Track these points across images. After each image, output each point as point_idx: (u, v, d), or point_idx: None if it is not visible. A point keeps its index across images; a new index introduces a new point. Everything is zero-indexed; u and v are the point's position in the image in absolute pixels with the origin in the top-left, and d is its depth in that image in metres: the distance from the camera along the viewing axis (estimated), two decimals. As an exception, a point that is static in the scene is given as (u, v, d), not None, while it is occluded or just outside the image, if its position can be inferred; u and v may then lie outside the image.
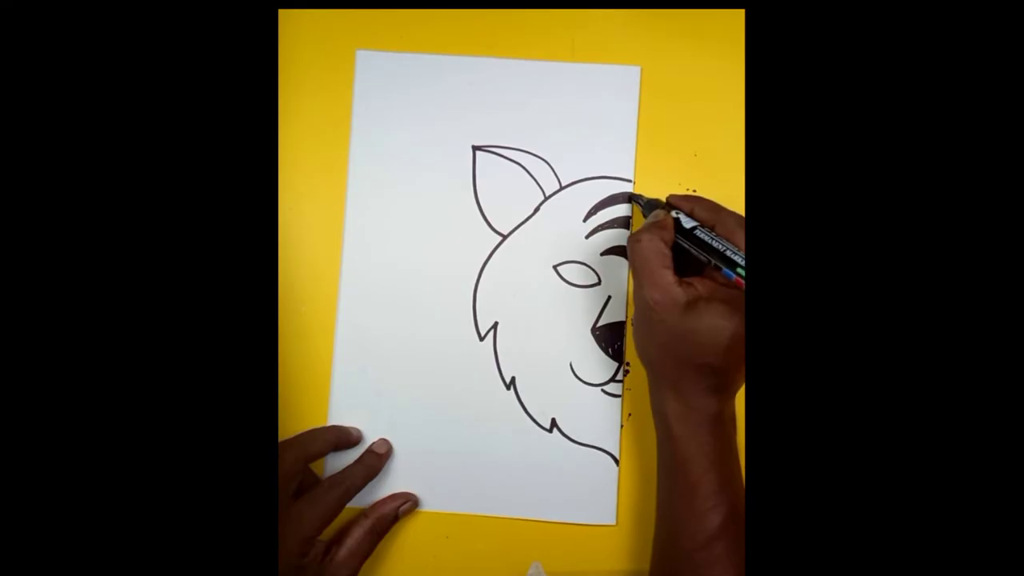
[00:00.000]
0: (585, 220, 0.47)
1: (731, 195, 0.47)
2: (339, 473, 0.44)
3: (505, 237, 0.47)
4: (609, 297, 0.47)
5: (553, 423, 0.47)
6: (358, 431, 0.47)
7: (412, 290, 0.47)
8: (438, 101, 0.48)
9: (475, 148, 0.48)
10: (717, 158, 0.47)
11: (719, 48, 0.47)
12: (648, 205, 0.45)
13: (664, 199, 0.44)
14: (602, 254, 0.47)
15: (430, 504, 0.47)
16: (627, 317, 0.47)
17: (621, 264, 0.47)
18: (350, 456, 0.46)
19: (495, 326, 0.47)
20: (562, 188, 0.47)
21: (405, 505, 0.46)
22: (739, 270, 0.37)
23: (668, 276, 0.38)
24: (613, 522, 0.46)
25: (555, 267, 0.47)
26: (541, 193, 0.47)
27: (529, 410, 0.47)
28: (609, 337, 0.47)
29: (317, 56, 0.48)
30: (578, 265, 0.47)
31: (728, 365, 0.37)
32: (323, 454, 0.45)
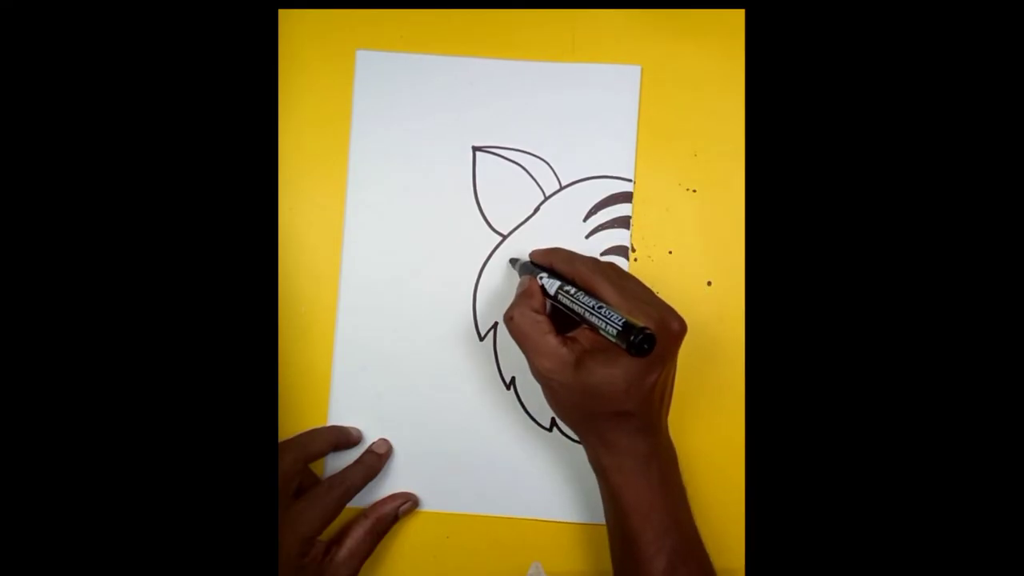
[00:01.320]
0: (585, 220, 0.47)
1: (731, 195, 0.47)
2: (339, 473, 0.44)
3: (505, 237, 0.47)
4: (609, 297, 0.47)
5: (553, 422, 0.47)
6: (358, 431, 0.47)
7: (412, 290, 0.47)
8: (438, 101, 0.48)
9: (475, 148, 0.47)
10: (717, 158, 0.47)
11: (719, 48, 0.47)
12: (522, 268, 0.45)
13: (528, 257, 0.45)
14: (602, 254, 0.47)
15: (430, 504, 0.47)
16: None
17: (621, 264, 0.47)
18: (350, 456, 0.46)
19: (495, 326, 0.47)
20: (562, 188, 0.47)
21: (405, 505, 0.46)
22: (601, 332, 0.36)
23: (551, 341, 0.38)
24: (613, 522, 0.46)
25: (555, 267, 0.47)
26: (541, 193, 0.47)
27: (529, 410, 0.47)
28: (609, 337, 0.47)
29: (317, 56, 0.48)
30: (578, 265, 0.47)
31: (638, 406, 0.37)
32: (323, 454, 0.45)
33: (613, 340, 0.35)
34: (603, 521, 0.42)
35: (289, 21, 0.48)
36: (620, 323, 0.34)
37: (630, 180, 0.47)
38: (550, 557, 0.47)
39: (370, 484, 0.45)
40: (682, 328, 0.38)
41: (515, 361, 0.47)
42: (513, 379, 0.47)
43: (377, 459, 0.46)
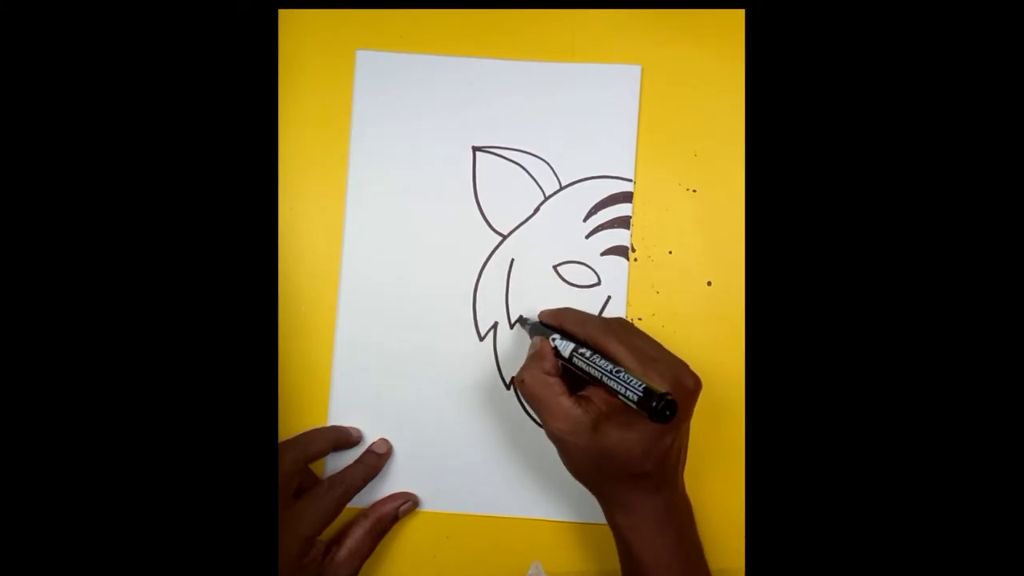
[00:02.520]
0: (585, 220, 0.47)
1: (731, 195, 0.47)
2: (339, 473, 0.44)
3: (505, 237, 0.47)
4: (609, 297, 0.47)
5: (553, 423, 0.47)
6: (358, 431, 0.47)
7: (412, 291, 0.47)
8: (438, 101, 0.48)
9: (475, 149, 0.47)
10: (717, 158, 0.47)
11: (719, 48, 0.47)
12: (532, 329, 0.44)
13: (538, 317, 0.45)
14: (602, 254, 0.47)
15: (430, 504, 0.47)
16: (627, 319, 0.47)
17: (621, 264, 0.47)
18: (350, 456, 0.46)
19: (495, 326, 0.47)
20: (562, 188, 0.47)
21: (405, 505, 0.46)
22: (620, 397, 0.35)
23: (564, 403, 0.38)
24: (613, 522, 0.46)
25: (555, 267, 0.47)
26: (541, 193, 0.47)
27: (529, 410, 0.47)
28: (609, 337, 0.47)
29: (317, 56, 0.48)
30: (578, 265, 0.47)
31: (655, 467, 0.37)
32: (323, 454, 0.45)
33: (633, 406, 0.34)
34: (602, 521, 0.41)
35: (289, 21, 0.48)
36: (640, 389, 0.34)
37: (630, 180, 0.47)
38: (550, 557, 0.47)
39: (370, 484, 0.45)
40: (697, 385, 0.38)
41: (515, 361, 0.47)
42: (513, 379, 0.47)
43: (377, 459, 0.46)
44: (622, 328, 0.40)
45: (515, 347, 0.47)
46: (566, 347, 0.40)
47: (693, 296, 0.47)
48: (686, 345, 0.40)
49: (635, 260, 0.47)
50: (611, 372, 0.36)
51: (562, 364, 0.40)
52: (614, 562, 0.42)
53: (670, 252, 0.47)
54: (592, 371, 0.37)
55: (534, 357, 0.41)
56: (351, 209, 0.48)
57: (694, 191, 0.47)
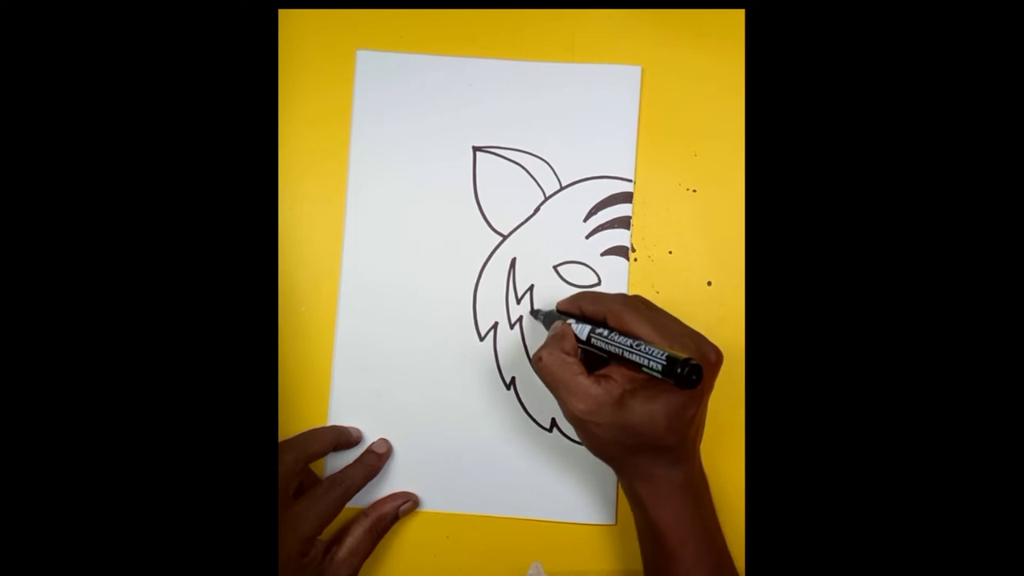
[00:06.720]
0: (585, 220, 0.47)
1: (731, 195, 0.47)
2: (339, 473, 0.44)
3: (505, 237, 0.47)
4: (609, 297, 0.47)
5: (553, 423, 0.47)
6: (358, 431, 0.47)
7: (412, 290, 0.47)
8: (438, 101, 0.48)
9: (475, 149, 0.47)
10: (717, 158, 0.47)
11: (719, 48, 0.47)
12: (546, 318, 0.44)
13: (555, 307, 0.44)
14: (602, 254, 0.47)
15: (430, 504, 0.47)
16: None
17: (621, 264, 0.47)
18: (350, 456, 0.46)
19: (495, 326, 0.47)
20: (562, 188, 0.47)
21: (405, 505, 0.46)
22: (644, 369, 0.35)
23: (584, 382, 0.37)
24: (613, 522, 0.46)
25: (555, 267, 0.47)
26: (541, 193, 0.47)
27: (529, 410, 0.47)
28: (609, 337, 0.47)
29: (317, 56, 0.48)
30: (578, 265, 0.47)
31: (677, 440, 0.37)
32: (323, 454, 0.45)
33: (658, 376, 0.34)
34: (602, 521, 0.42)
35: (289, 21, 0.48)
36: (663, 358, 0.34)
37: (630, 180, 0.47)
38: (550, 557, 0.47)
39: (370, 484, 0.45)
40: (719, 358, 0.38)
41: (515, 361, 0.47)
42: (513, 379, 0.47)
43: (377, 459, 0.46)
44: (642, 303, 0.40)
45: (515, 347, 0.47)
46: (583, 329, 0.40)
47: (693, 296, 0.47)
48: (686, 345, 0.40)
49: (635, 260, 0.47)
50: (631, 346, 0.36)
51: (582, 349, 0.40)
52: (614, 562, 0.42)
53: (670, 252, 0.47)
54: (612, 348, 0.37)
55: (553, 337, 0.40)
56: (351, 209, 0.48)
57: (694, 191, 0.47)
